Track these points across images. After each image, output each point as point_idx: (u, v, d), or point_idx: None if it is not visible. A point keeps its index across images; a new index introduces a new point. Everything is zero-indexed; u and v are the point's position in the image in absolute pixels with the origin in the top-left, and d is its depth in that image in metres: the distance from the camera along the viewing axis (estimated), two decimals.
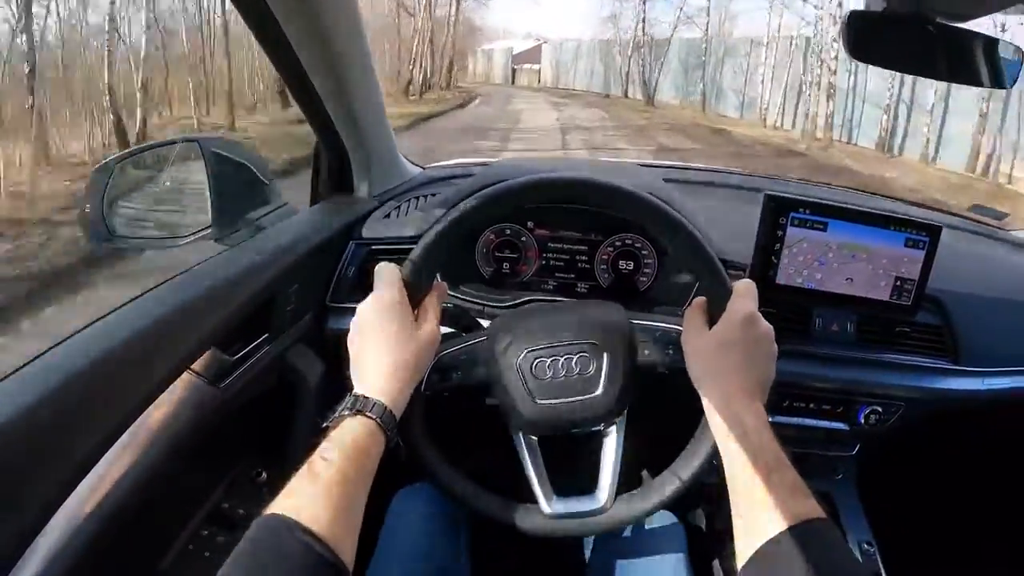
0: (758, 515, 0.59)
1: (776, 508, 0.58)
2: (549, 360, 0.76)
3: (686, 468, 0.77)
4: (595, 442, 0.81)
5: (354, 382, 0.67)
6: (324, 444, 0.59)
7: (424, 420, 0.78)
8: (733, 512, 0.62)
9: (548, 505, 0.77)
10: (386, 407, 0.63)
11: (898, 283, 1.01)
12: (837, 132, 13.76)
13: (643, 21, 24.48)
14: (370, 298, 0.70)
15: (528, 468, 0.78)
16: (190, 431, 0.79)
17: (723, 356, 0.69)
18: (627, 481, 0.80)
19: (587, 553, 1.00)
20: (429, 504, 0.93)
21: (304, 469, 0.56)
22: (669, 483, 0.77)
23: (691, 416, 0.77)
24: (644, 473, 1.09)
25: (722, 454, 0.67)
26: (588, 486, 0.79)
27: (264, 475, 0.99)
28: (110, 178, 1.01)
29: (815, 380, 1.05)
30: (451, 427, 0.88)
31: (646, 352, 0.79)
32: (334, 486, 0.55)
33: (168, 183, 1.08)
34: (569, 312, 0.81)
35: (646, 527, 0.94)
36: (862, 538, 1.12)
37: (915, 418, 1.09)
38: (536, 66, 40.64)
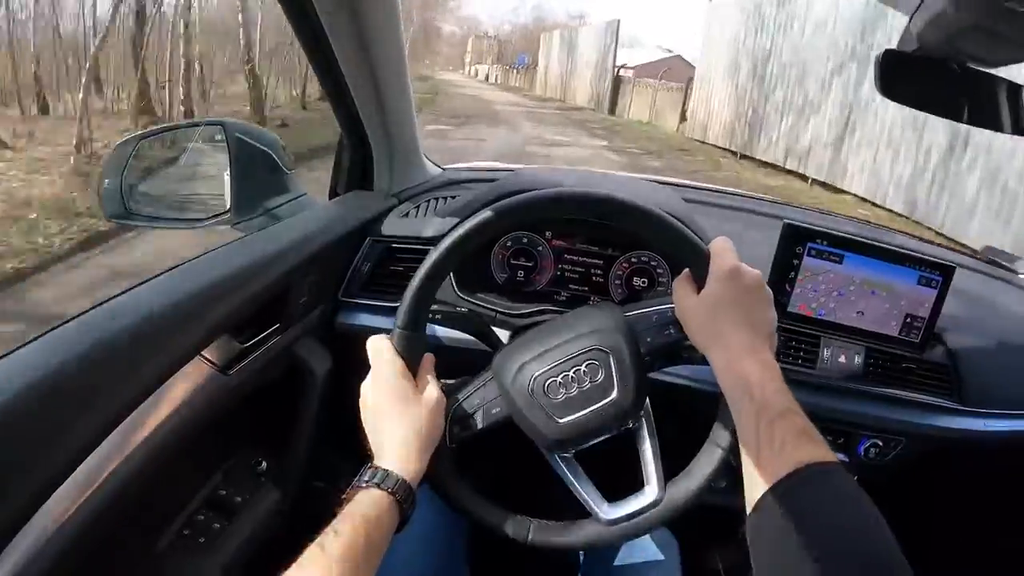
0: (762, 465, 0.58)
1: (778, 456, 0.57)
2: (559, 377, 0.75)
3: (723, 436, 0.76)
4: (625, 442, 0.80)
5: (374, 456, 0.69)
6: (338, 517, 0.60)
7: (458, 475, 0.79)
8: (743, 463, 0.61)
9: (604, 513, 0.76)
10: (399, 479, 0.65)
11: (908, 320, 1.02)
12: None
13: None
14: (369, 376, 0.72)
15: (574, 485, 0.78)
16: (195, 416, 0.78)
17: (718, 317, 0.69)
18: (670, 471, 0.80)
19: (581, 558, 1.00)
20: (427, 508, 0.93)
21: (316, 542, 0.58)
22: (712, 452, 0.76)
23: (711, 394, 0.76)
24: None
25: (732, 413, 0.66)
26: (630, 486, 0.78)
27: (264, 464, 0.99)
28: (131, 155, 1.01)
29: (818, 409, 1.04)
30: (484, 460, 0.88)
31: (648, 339, 0.78)
32: (340, 560, 0.56)
33: (189, 164, 1.09)
34: (564, 325, 0.80)
35: (645, 541, 0.94)
36: None
37: (915, 454, 1.09)
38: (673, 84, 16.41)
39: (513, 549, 0.78)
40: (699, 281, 0.72)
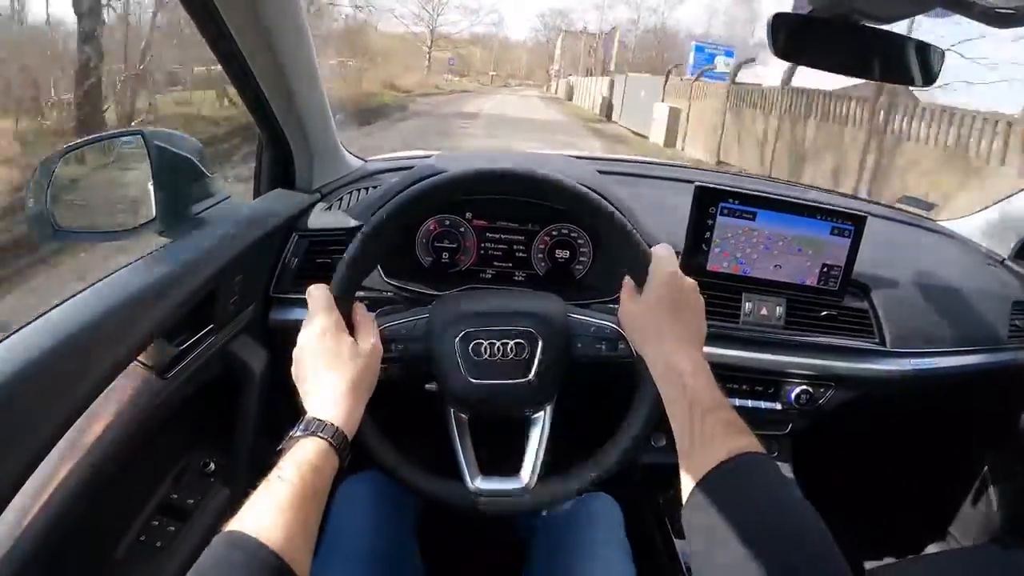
0: (696, 454, 0.63)
1: (711, 445, 0.62)
2: (486, 342, 0.79)
3: (607, 458, 0.80)
4: (527, 425, 0.84)
5: (306, 407, 0.69)
6: (280, 464, 0.61)
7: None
8: (679, 456, 0.65)
9: (472, 482, 0.80)
10: (337, 428, 0.66)
11: (825, 269, 1.07)
12: None
13: None
14: (309, 325, 0.73)
15: (455, 444, 0.82)
16: (137, 422, 0.79)
17: (654, 316, 0.75)
18: (557, 464, 0.84)
19: (531, 534, 1.03)
20: (376, 490, 0.94)
21: (261, 488, 0.58)
22: (591, 470, 0.80)
23: (621, 407, 0.81)
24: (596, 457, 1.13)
25: (664, 403, 0.71)
26: (519, 468, 0.82)
27: (212, 465, 1.00)
28: (55, 170, 1.00)
29: (746, 362, 1.09)
30: (390, 413, 0.90)
31: (579, 345, 0.83)
32: (289, 504, 0.57)
33: (113, 175, 1.08)
34: (510, 298, 0.85)
35: (586, 506, 0.96)
36: None
37: (844, 397, 1.14)
38: None
39: (465, 523, 0.81)
40: (640, 283, 0.77)
